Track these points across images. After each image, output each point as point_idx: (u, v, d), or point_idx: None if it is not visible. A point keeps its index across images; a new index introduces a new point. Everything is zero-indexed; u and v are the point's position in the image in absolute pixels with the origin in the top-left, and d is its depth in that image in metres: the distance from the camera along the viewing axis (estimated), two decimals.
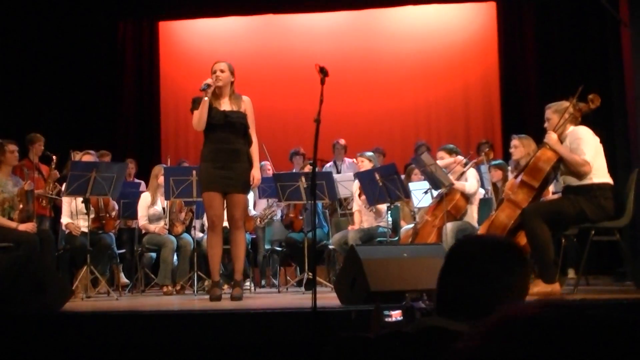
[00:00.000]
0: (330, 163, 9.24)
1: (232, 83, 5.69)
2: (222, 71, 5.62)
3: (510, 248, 1.78)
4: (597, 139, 5.08)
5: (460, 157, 7.02)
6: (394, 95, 10.56)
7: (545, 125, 5.22)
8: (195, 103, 5.61)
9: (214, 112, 5.55)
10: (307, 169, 7.66)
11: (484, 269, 1.69)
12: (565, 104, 5.18)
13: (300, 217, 7.60)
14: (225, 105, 5.63)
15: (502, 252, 1.73)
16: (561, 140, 5.09)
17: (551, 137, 5.06)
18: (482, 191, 7.22)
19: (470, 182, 6.64)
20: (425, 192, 7.03)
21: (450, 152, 6.93)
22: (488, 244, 1.73)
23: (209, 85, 5.51)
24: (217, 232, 5.64)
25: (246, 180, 5.65)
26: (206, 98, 5.50)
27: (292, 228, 7.73)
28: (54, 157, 7.36)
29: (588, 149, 4.94)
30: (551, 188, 6.06)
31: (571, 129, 5.09)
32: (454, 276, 1.69)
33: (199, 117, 5.51)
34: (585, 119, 5.24)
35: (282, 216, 8.00)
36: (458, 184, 6.58)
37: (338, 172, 8.93)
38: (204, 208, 5.88)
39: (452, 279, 1.69)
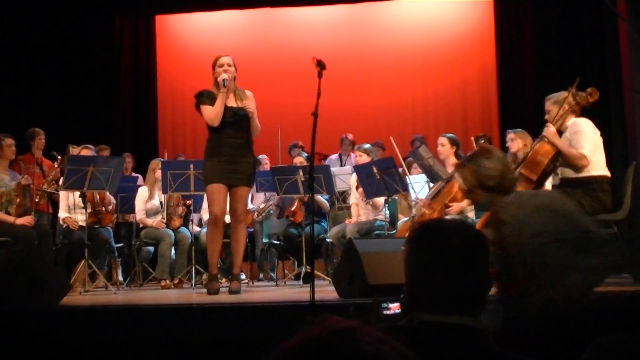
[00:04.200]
0: (335, 156, 9.24)
1: (234, 77, 5.72)
2: (229, 65, 5.65)
3: (478, 233, 1.78)
4: (598, 132, 5.07)
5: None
6: (392, 89, 10.55)
7: (546, 117, 5.22)
8: (202, 97, 5.61)
9: (224, 109, 5.58)
10: (297, 160, 7.65)
11: (468, 260, 1.68)
12: (564, 94, 5.17)
13: (303, 210, 7.58)
14: (231, 101, 5.65)
15: (477, 240, 1.73)
16: (562, 131, 5.08)
17: (550, 130, 5.05)
18: None
19: None
20: (427, 182, 7.00)
21: (452, 143, 6.88)
22: (461, 233, 1.70)
23: (226, 80, 5.54)
24: (219, 227, 5.63)
25: (251, 173, 5.72)
26: (224, 93, 5.52)
27: (293, 220, 7.69)
28: (58, 157, 7.35)
29: (586, 143, 4.94)
30: (549, 181, 6.06)
31: (572, 120, 5.08)
32: (438, 272, 1.68)
33: (217, 113, 5.53)
34: (583, 113, 5.23)
35: (280, 209, 7.99)
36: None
37: (342, 165, 8.93)
38: (207, 202, 5.86)
39: (435, 275, 1.68)
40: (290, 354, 1.02)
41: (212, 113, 5.56)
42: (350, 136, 9.28)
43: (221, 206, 5.61)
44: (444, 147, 6.77)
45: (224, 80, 5.53)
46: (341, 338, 1.02)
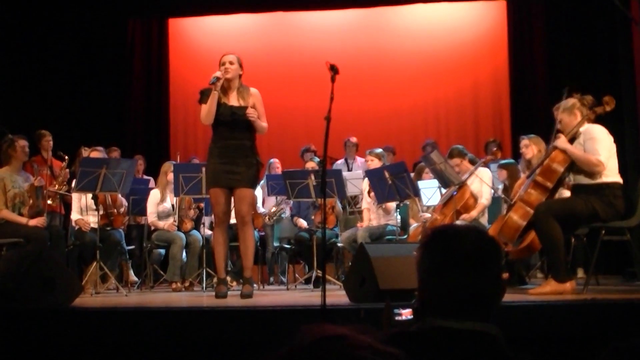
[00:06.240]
0: (341, 160, 9.22)
1: (240, 76, 5.64)
2: (231, 63, 5.56)
3: (491, 238, 1.77)
4: (611, 138, 5.04)
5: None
6: (404, 93, 10.54)
7: (558, 126, 5.18)
8: (204, 95, 5.57)
9: (222, 108, 5.50)
10: (309, 164, 7.63)
11: (481, 266, 1.68)
12: (571, 100, 5.16)
13: (332, 213, 7.57)
14: (232, 100, 5.58)
15: (490, 245, 1.72)
16: (576, 137, 5.05)
17: (561, 140, 5.03)
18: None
19: (485, 196, 6.59)
20: (439, 188, 7.00)
21: (462, 156, 6.87)
22: (473, 238, 1.70)
23: (218, 79, 5.46)
24: (223, 229, 5.59)
25: (253, 175, 5.60)
26: (215, 91, 5.47)
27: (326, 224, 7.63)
28: (66, 157, 7.39)
29: (602, 149, 4.91)
30: None
31: (586, 126, 5.05)
32: (450, 277, 1.67)
33: (207, 111, 5.48)
34: (597, 119, 5.20)
35: (291, 215, 7.99)
36: (480, 205, 6.54)
37: (349, 169, 8.91)
38: (211, 204, 5.84)
39: (447, 280, 1.67)
40: None
41: (203, 112, 5.53)
42: (353, 139, 9.25)
43: (224, 207, 5.55)
44: (460, 165, 6.76)
45: (213, 77, 5.48)
46: (329, 346, 1.02)
